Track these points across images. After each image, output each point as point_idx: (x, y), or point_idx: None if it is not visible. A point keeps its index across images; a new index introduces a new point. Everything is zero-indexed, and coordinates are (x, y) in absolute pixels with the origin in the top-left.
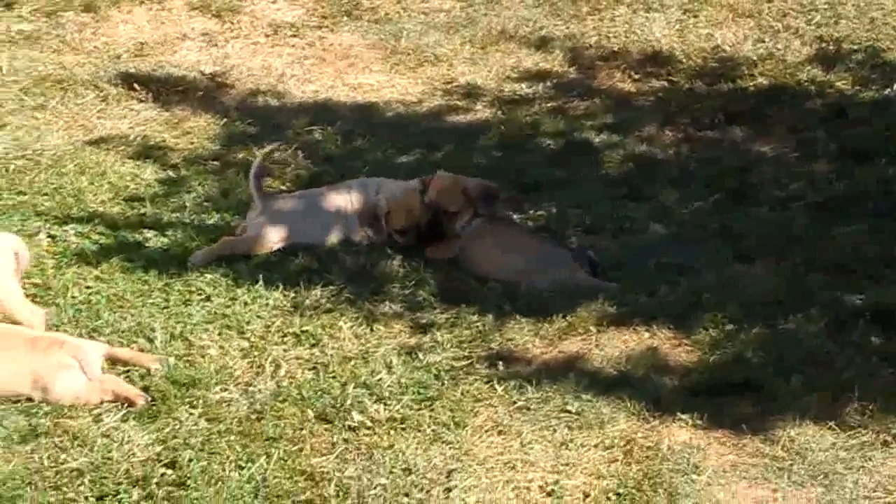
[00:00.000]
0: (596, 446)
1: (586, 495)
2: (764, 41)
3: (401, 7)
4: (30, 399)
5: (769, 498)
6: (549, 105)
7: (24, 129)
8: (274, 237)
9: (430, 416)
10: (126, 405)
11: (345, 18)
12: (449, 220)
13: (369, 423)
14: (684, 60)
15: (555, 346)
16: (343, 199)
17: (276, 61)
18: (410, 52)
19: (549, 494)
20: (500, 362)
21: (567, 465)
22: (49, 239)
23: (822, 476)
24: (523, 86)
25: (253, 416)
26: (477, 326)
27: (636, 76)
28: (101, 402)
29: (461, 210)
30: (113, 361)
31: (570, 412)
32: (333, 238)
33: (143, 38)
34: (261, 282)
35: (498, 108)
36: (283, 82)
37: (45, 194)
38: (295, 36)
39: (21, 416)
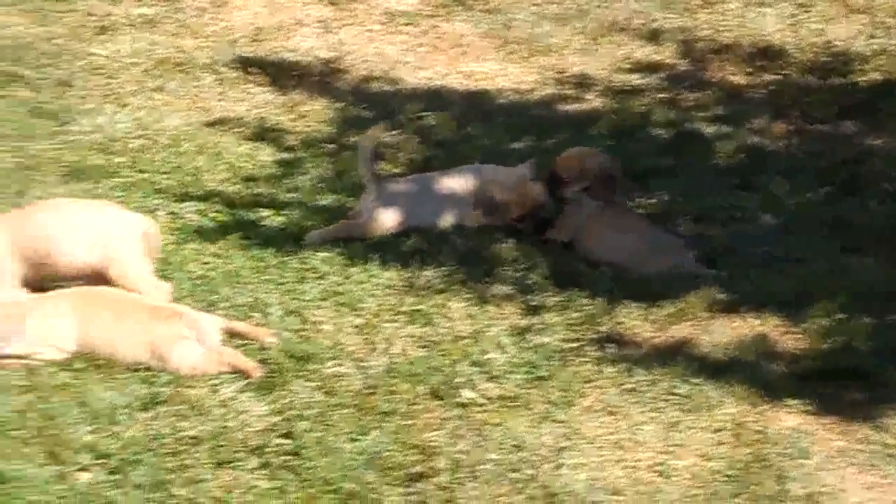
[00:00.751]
0: (704, 429)
1: (695, 476)
2: (876, 37)
3: None
4: (150, 368)
5: (878, 484)
6: (660, 96)
7: (145, 110)
8: (388, 220)
9: (540, 396)
10: (242, 377)
11: (458, 8)
12: (561, 187)
13: (480, 401)
14: (796, 55)
15: (664, 331)
16: (456, 184)
17: (390, 48)
18: (522, 41)
19: (658, 474)
20: (610, 345)
21: (676, 446)
22: (169, 216)
23: None
24: (635, 77)
25: (366, 391)
26: (587, 310)
27: (748, 69)
28: (219, 373)
29: (573, 179)
30: (231, 335)
31: (678, 395)
32: (446, 221)
33: (259, 24)
34: (374, 261)
35: (609, 98)
36: (396, 69)
37: (165, 173)
38: (409, 24)
39: (142, 384)
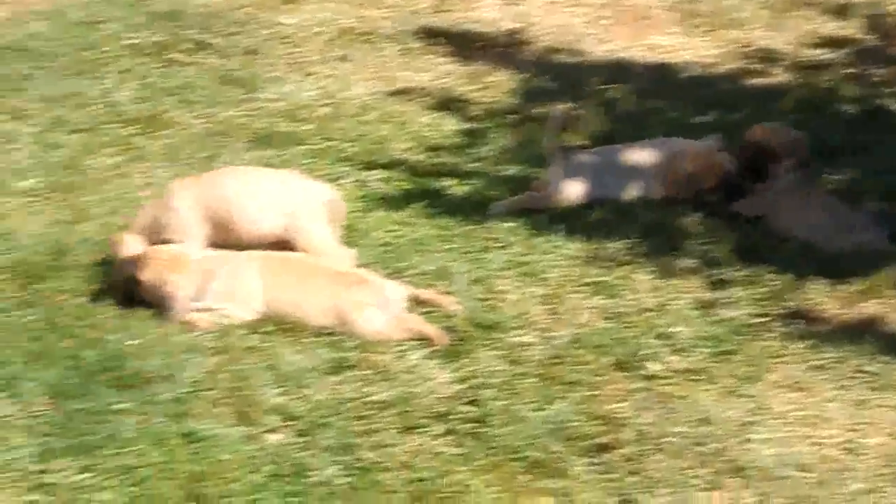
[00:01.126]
0: (893, 407)
1: (884, 455)
2: None
3: None
4: (336, 333)
5: None
6: (847, 71)
7: (330, 79)
8: (573, 191)
9: (727, 370)
10: (428, 344)
11: None
12: (770, 161)
13: (666, 374)
14: None
15: (852, 308)
16: (643, 156)
17: (573, 20)
18: (708, 14)
19: (847, 451)
20: (797, 321)
21: (864, 424)
22: (355, 183)
23: None
24: (822, 52)
25: (551, 361)
26: (774, 285)
27: None
28: (404, 340)
29: (784, 154)
30: (416, 302)
31: (867, 373)
32: (631, 194)
33: None
34: (559, 232)
35: (795, 73)
36: (580, 41)
37: (350, 141)
38: None
39: (329, 348)
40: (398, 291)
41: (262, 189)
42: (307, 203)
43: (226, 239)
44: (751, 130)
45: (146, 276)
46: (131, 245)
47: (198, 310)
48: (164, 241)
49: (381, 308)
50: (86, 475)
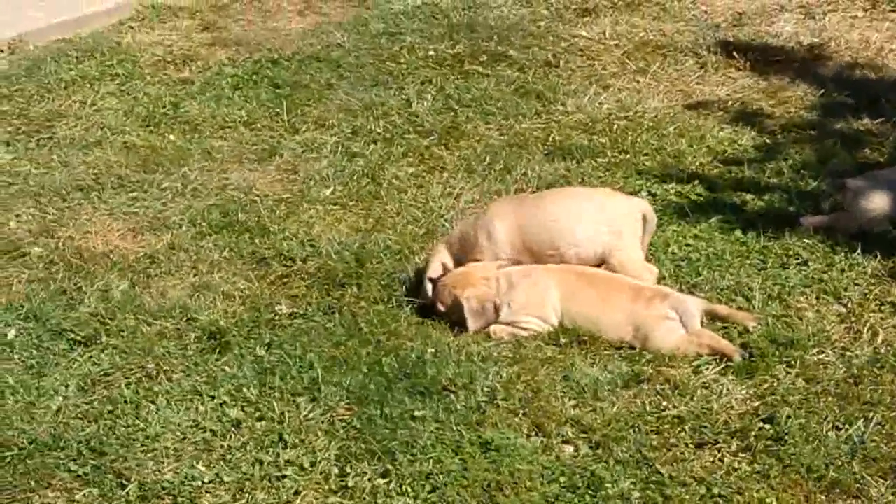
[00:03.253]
0: None
1: None
2: None
3: None
4: (632, 347)
5: None
6: None
7: (626, 92)
8: (875, 209)
9: None
10: (723, 359)
11: None
12: None
13: None
14: None
15: None
16: None
17: (874, 35)
18: None
19: None
20: None
21: None
22: (650, 197)
23: None
24: None
25: (850, 380)
26: None
27: None
28: (699, 355)
29: None
30: (712, 317)
31: None
32: None
33: (740, 9)
34: (858, 249)
35: None
36: (881, 56)
37: (646, 154)
38: (894, 11)
39: (624, 362)
40: (696, 306)
41: (584, 212)
42: (627, 223)
43: (543, 261)
44: None
45: (440, 300)
46: (439, 258)
47: (497, 322)
48: (473, 259)
49: (678, 323)
50: (384, 480)
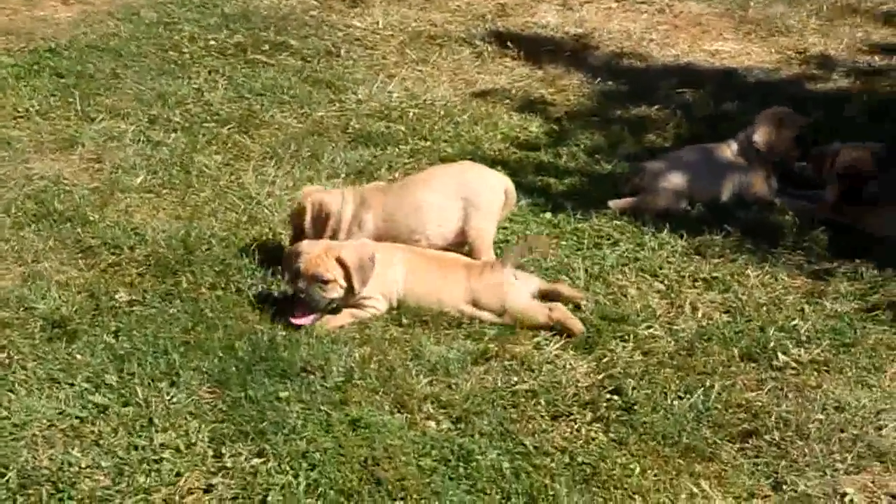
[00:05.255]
0: None
1: None
2: None
3: None
4: (472, 324)
5: None
6: None
7: (411, 81)
8: (674, 192)
9: (850, 361)
10: (563, 335)
11: None
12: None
13: (794, 364)
14: None
15: None
16: (733, 157)
17: (632, 26)
18: (759, 22)
19: None
20: None
21: None
22: None
23: None
24: (876, 58)
25: (683, 352)
26: (877, 279)
27: None
28: (538, 330)
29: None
30: (544, 296)
31: None
32: (726, 192)
33: (501, 0)
34: (666, 229)
35: (855, 79)
36: (642, 46)
37: (445, 141)
38: (643, 2)
39: (469, 340)
40: (533, 282)
41: (447, 193)
42: (487, 196)
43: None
44: (840, 159)
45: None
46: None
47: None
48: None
49: (522, 286)
50: (261, 460)
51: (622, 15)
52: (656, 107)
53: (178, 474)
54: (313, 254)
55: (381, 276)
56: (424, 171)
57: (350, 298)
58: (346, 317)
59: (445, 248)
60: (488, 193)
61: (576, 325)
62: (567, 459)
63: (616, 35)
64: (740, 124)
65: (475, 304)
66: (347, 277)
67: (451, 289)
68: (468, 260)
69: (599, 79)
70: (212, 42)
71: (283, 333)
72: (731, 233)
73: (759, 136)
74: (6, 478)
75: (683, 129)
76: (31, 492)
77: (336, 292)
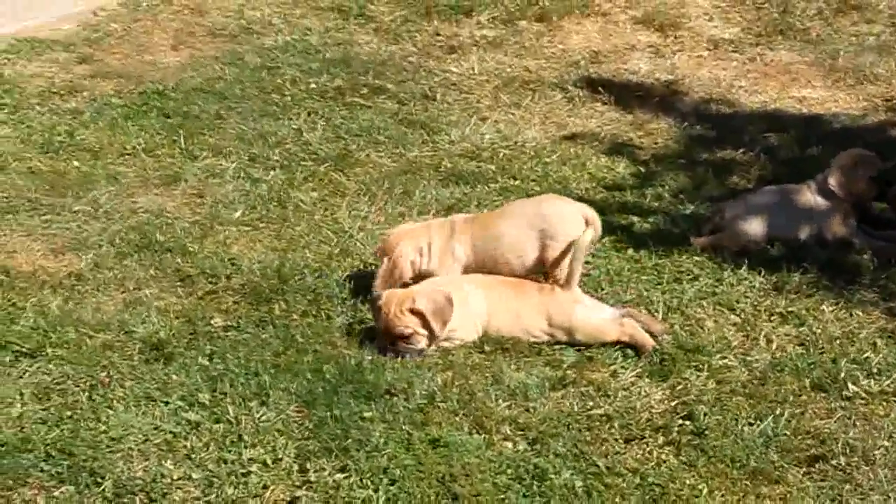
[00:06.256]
0: None
1: None
2: None
3: (832, 29)
4: (553, 352)
5: None
6: None
7: (504, 123)
8: (752, 231)
9: None
10: (641, 361)
11: (779, 37)
12: None
13: (863, 395)
14: None
15: None
16: (812, 198)
17: (721, 73)
18: (848, 70)
19: None
20: None
21: None
22: None
23: None
24: None
25: (755, 382)
26: None
27: None
28: (616, 350)
29: None
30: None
31: None
32: (804, 232)
33: (595, 48)
34: (744, 266)
35: None
36: (731, 92)
37: (534, 180)
38: (735, 51)
39: (547, 367)
40: (606, 309)
41: (528, 224)
42: (563, 225)
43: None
44: None
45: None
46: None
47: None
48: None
49: (591, 306)
50: (344, 475)
51: (713, 63)
52: (741, 150)
53: (265, 487)
54: (389, 312)
55: (463, 310)
56: (509, 204)
57: (436, 340)
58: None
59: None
60: (564, 224)
61: (646, 339)
62: (638, 480)
63: (706, 82)
64: (822, 167)
65: (549, 322)
66: (426, 325)
67: (527, 310)
68: (540, 283)
69: (687, 123)
70: (312, 85)
71: (370, 358)
72: (808, 270)
73: (834, 177)
74: (102, 486)
75: (767, 171)
76: (125, 500)
77: (421, 343)
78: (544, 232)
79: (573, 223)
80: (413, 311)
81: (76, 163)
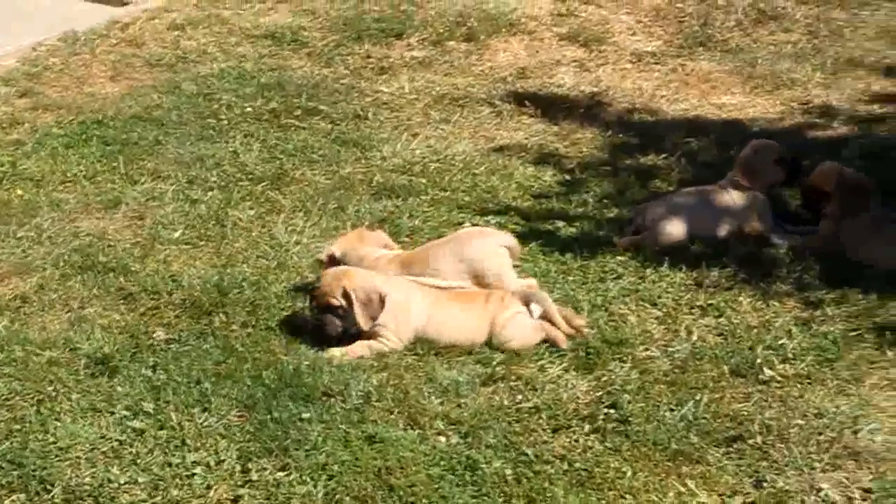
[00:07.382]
0: None
1: None
2: None
3: (750, 39)
4: (483, 351)
5: None
6: None
7: (434, 139)
8: (674, 231)
9: (832, 374)
10: (561, 355)
11: (700, 49)
12: (820, 200)
13: (779, 378)
14: None
15: None
16: (728, 197)
17: (644, 84)
18: (766, 77)
19: None
20: (887, 332)
21: None
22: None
23: None
24: (875, 107)
25: (676, 370)
26: (862, 304)
27: None
28: (540, 351)
29: (833, 192)
30: (547, 320)
31: None
32: (723, 230)
33: (521, 64)
34: (666, 264)
35: (854, 125)
36: (654, 101)
37: (463, 191)
38: (657, 63)
39: (478, 365)
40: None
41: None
42: (487, 263)
43: None
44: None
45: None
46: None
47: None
48: None
49: (526, 315)
50: (284, 473)
51: (636, 75)
52: (663, 156)
53: (209, 487)
54: (325, 283)
55: (402, 312)
56: (425, 248)
57: (361, 331)
58: (363, 348)
59: None
60: (490, 261)
61: (558, 336)
62: (565, 466)
63: (629, 93)
64: None
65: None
66: (350, 310)
67: (473, 321)
68: (487, 291)
69: (611, 132)
70: (248, 109)
71: (307, 363)
72: (727, 265)
73: (740, 170)
74: (52, 493)
75: (688, 174)
76: None
77: (342, 326)
78: (473, 272)
79: (496, 257)
80: (345, 293)
81: (19, 191)
